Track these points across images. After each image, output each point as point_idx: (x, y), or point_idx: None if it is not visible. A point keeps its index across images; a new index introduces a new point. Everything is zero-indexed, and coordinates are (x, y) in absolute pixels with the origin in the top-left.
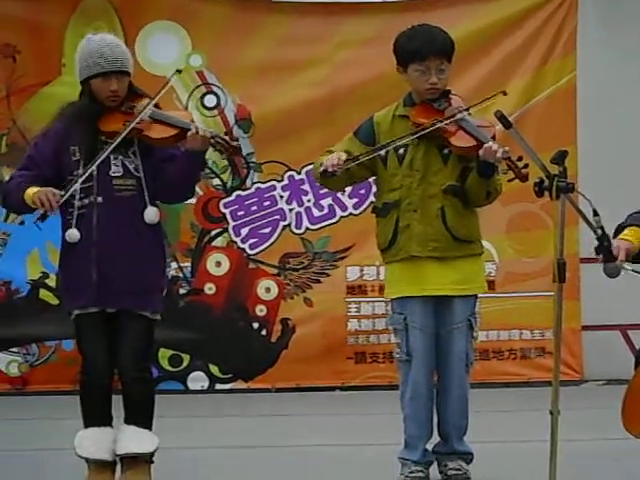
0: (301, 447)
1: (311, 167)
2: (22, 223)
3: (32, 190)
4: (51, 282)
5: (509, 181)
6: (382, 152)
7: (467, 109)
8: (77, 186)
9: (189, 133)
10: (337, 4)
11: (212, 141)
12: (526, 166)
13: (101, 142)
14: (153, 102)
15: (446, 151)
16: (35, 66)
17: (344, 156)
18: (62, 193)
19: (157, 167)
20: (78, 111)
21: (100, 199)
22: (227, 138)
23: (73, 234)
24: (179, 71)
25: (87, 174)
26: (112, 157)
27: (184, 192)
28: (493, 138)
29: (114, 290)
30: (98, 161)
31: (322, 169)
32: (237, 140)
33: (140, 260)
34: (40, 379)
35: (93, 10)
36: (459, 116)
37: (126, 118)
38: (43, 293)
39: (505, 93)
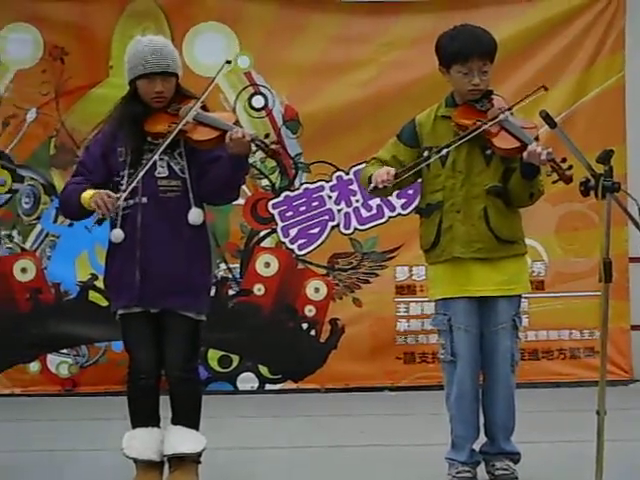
0: (349, 447)
1: (360, 168)
2: (71, 225)
3: (88, 194)
4: (100, 284)
5: (553, 183)
6: (430, 160)
7: (509, 108)
8: (132, 185)
9: (227, 135)
10: (385, 3)
11: (252, 144)
12: (570, 167)
13: (147, 143)
14: (199, 103)
15: (489, 152)
16: (83, 68)
17: (393, 171)
18: (118, 196)
19: (203, 169)
20: (124, 113)
21: (145, 200)
22: (266, 141)
23: (117, 234)
24: (229, 62)
25: (138, 178)
26: (158, 158)
27: (228, 194)
28: (536, 139)
29: (157, 290)
30: (148, 165)
31: (372, 186)
32: (277, 143)
33: (183, 261)
34: (90, 380)
35: (141, 12)
36: (502, 117)
37: (172, 119)
38: (92, 295)
39: (546, 88)
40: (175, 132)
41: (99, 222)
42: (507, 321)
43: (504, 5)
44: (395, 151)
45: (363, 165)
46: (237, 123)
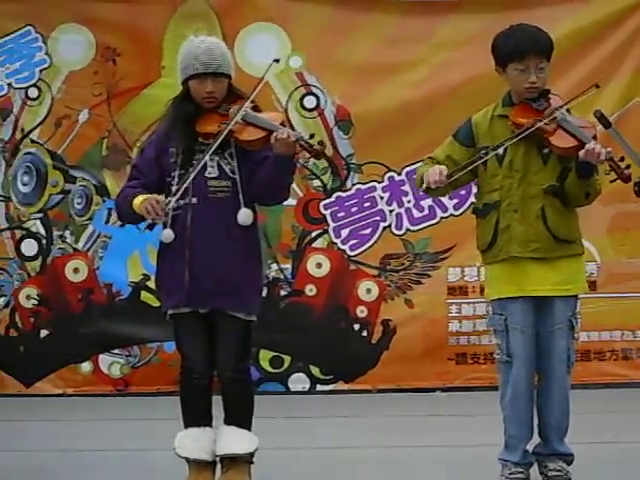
0: (401, 448)
1: (412, 168)
2: (123, 225)
3: (138, 200)
4: (152, 284)
5: (611, 182)
6: (485, 158)
7: (563, 106)
8: (183, 187)
9: (273, 135)
10: (437, 3)
11: (297, 144)
12: (628, 167)
13: (198, 143)
14: (247, 103)
15: (546, 151)
16: (135, 69)
17: (445, 170)
18: (167, 200)
19: (252, 169)
20: (176, 113)
21: (195, 200)
22: (311, 141)
23: (168, 234)
24: (277, 60)
25: (189, 179)
26: (208, 158)
27: (276, 195)
28: (594, 138)
29: (206, 291)
30: (199, 166)
31: (425, 186)
32: (322, 143)
33: (233, 262)
34: (142, 380)
35: (193, 12)
36: (559, 116)
37: (222, 120)
38: (144, 295)
39: (597, 86)
40: (225, 132)
41: (150, 227)
42: (563, 321)
43: (556, 5)
44: (450, 150)
45: (415, 166)
46: (284, 123)
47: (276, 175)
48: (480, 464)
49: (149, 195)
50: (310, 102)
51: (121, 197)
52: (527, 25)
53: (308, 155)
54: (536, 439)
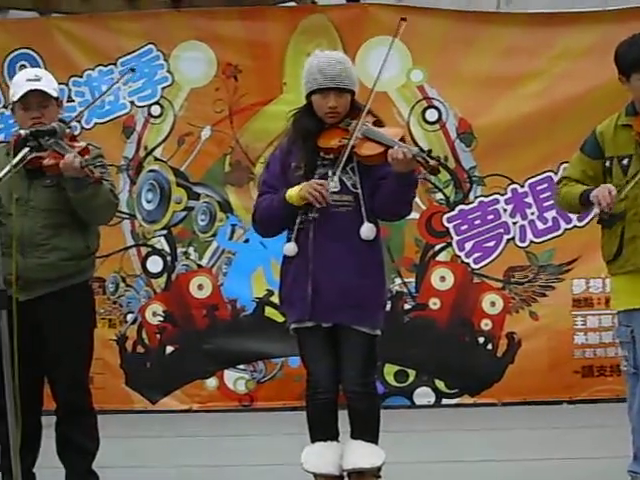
0: (527, 461)
1: (535, 180)
2: (247, 241)
3: (294, 191)
4: (276, 299)
5: None
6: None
7: None
8: (333, 186)
9: (389, 153)
10: (557, 14)
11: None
12: None
13: (320, 158)
14: (365, 117)
15: None
16: (257, 85)
17: (614, 189)
18: (324, 182)
19: (375, 184)
20: (298, 128)
21: (317, 214)
22: (427, 157)
23: (290, 248)
24: (404, 19)
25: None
26: (330, 173)
27: (398, 210)
28: None
29: (328, 305)
30: (335, 177)
31: (598, 212)
32: (438, 159)
33: (355, 276)
34: (267, 395)
35: (314, 28)
36: None
37: (343, 135)
38: (268, 311)
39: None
40: (348, 149)
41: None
42: None
43: None
44: (583, 166)
45: (537, 178)
46: (404, 139)
47: (398, 191)
48: (609, 476)
49: (304, 183)
50: (432, 115)
51: (263, 206)
52: None
53: (424, 170)
54: None
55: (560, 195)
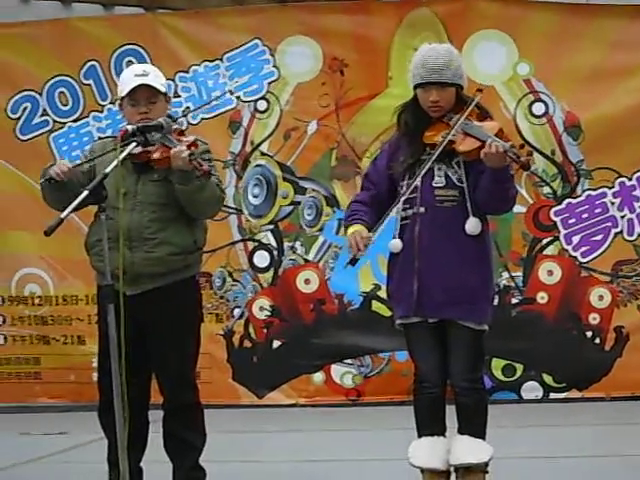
0: (637, 457)
1: None
2: None
3: (350, 230)
4: (383, 294)
5: None
6: None
7: None
8: (399, 202)
9: (483, 149)
10: None
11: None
12: None
13: (426, 153)
14: (465, 116)
15: None
16: (362, 79)
17: None
18: (370, 235)
19: (477, 178)
20: (404, 122)
21: (422, 209)
22: (518, 153)
23: (396, 244)
24: (480, 90)
25: (407, 193)
26: (436, 167)
27: (497, 205)
28: None
29: (434, 300)
30: (417, 179)
31: None
32: (530, 154)
33: (461, 271)
34: (374, 390)
35: (420, 22)
36: None
37: (446, 129)
38: (375, 305)
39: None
40: (444, 143)
41: (352, 262)
42: None
43: None
44: None
45: None
46: (500, 134)
47: (494, 185)
48: None
49: (357, 228)
50: (539, 109)
51: (347, 214)
52: None
53: (516, 166)
54: None
55: None
